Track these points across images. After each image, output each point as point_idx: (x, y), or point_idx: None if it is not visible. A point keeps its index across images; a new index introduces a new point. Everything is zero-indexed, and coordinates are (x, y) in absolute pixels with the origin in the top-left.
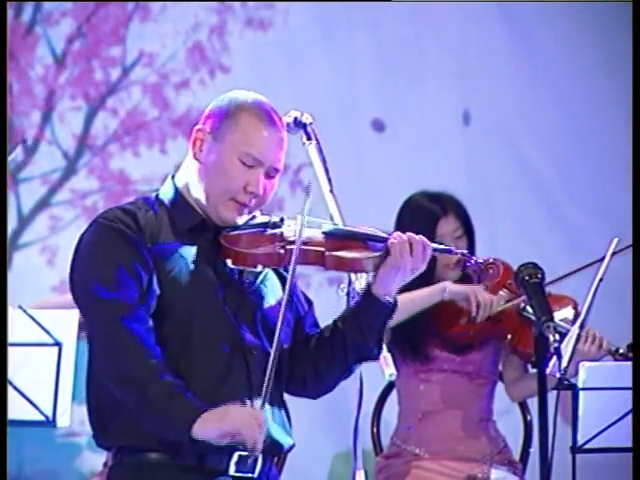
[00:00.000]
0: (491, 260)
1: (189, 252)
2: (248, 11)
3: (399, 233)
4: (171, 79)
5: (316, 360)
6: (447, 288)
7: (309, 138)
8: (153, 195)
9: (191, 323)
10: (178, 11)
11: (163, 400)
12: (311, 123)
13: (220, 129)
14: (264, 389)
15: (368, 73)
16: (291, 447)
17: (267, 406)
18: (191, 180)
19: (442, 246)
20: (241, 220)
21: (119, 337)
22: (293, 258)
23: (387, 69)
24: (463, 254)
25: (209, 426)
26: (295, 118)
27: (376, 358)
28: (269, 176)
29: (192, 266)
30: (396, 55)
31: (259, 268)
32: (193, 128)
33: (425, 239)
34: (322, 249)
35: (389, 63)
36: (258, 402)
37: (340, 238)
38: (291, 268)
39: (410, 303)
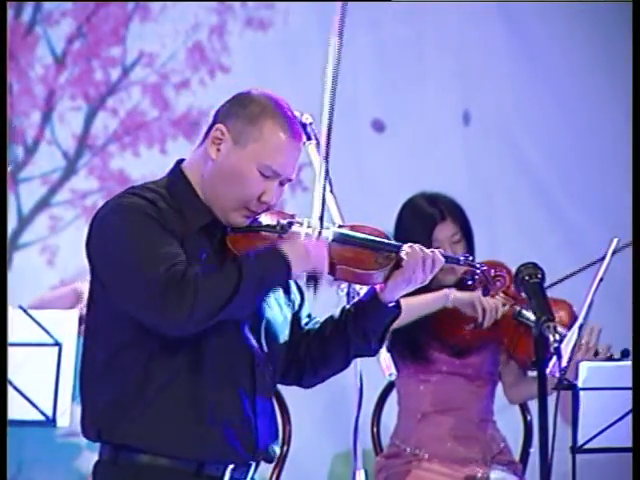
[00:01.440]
0: (498, 272)
1: (199, 253)
2: (248, 11)
3: (413, 248)
4: (171, 79)
5: (315, 357)
6: (450, 296)
7: (309, 138)
8: (161, 186)
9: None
10: (178, 11)
11: (257, 279)
12: (311, 123)
13: (242, 133)
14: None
15: (368, 73)
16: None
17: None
18: (204, 177)
19: (451, 255)
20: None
21: (192, 284)
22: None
23: (387, 69)
24: (470, 265)
25: (299, 268)
26: None
27: (375, 354)
28: (281, 184)
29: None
30: (396, 55)
31: None
32: (213, 124)
33: (437, 254)
34: (333, 260)
35: (389, 63)
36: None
37: (351, 248)
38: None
39: (410, 309)
